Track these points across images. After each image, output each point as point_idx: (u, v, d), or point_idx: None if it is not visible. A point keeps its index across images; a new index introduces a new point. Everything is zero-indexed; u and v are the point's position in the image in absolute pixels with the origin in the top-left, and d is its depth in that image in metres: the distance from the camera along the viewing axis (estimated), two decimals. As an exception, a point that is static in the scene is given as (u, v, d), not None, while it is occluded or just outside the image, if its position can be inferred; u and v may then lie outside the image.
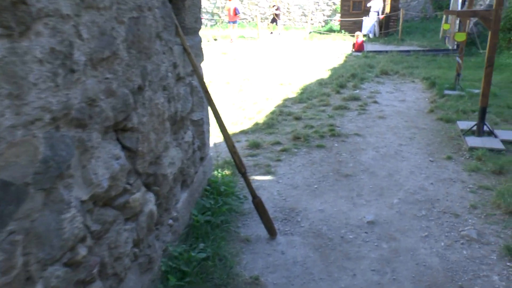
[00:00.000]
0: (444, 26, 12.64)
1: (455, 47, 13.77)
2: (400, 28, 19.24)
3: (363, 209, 4.18)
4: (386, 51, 14.85)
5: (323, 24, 25.16)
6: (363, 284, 3.13)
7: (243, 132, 6.63)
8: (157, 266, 2.89)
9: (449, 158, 5.40)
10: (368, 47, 15.94)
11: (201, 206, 3.77)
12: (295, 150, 5.72)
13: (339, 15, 22.98)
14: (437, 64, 12.47)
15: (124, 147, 2.38)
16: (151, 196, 2.75)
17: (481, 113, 6.01)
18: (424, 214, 4.07)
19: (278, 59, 14.18)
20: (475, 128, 6.06)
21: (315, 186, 4.68)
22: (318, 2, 25.39)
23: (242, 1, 25.95)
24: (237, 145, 5.83)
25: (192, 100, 3.65)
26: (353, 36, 16.80)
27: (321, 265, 3.34)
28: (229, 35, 19.87)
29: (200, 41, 3.98)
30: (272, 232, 3.70)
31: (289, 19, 25.95)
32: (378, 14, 20.39)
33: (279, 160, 5.39)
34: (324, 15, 25.50)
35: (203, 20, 25.42)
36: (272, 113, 7.58)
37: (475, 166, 5.04)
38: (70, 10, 1.76)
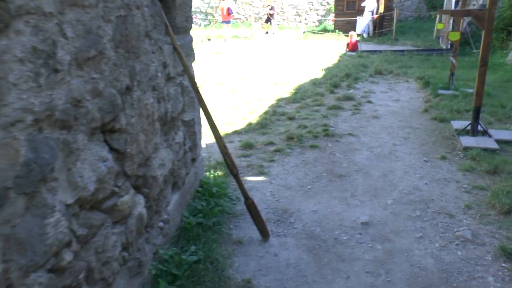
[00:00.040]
0: (438, 26, 12.68)
1: (449, 46, 13.79)
2: (394, 27, 19.26)
3: (357, 210, 4.14)
4: (380, 51, 14.85)
5: (317, 24, 25.17)
6: (357, 286, 3.08)
7: (236, 133, 6.57)
8: (147, 270, 2.84)
9: (443, 158, 5.37)
10: (362, 46, 15.93)
11: (193, 208, 3.72)
12: (289, 151, 5.68)
13: (333, 14, 22.97)
14: (431, 63, 12.47)
15: (112, 149, 2.33)
16: (140, 199, 2.70)
17: (475, 113, 5.99)
18: (418, 215, 4.03)
19: (272, 59, 14.14)
20: (469, 127, 6.05)
21: (309, 187, 4.63)
22: (312, 2, 25.39)
23: (236, 1, 25.89)
24: (230, 145, 5.79)
25: (183, 101, 3.59)
26: (347, 35, 16.79)
27: (315, 267, 3.30)
28: (223, 35, 19.82)
29: (191, 40, 3.92)
30: (264, 234, 3.65)
31: (283, 19, 25.93)
32: (372, 14, 20.40)
33: (272, 161, 5.34)
34: (318, 15, 25.50)
35: (197, 20, 25.40)
36: (266, 113, 7.53)
37: (469, 166, 5.02)
38: (53, 8, 1.70)
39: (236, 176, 3.63)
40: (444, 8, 15.19)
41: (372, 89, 9.41)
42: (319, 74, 11.22)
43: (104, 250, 2.23)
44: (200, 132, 4.21)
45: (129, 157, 2.49)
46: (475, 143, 5.64)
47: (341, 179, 4.84)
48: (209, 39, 19.55)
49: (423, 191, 4.49)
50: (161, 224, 3.10)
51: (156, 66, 2.93)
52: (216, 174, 4.65)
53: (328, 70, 11.71)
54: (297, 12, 25.61)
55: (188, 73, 3.45)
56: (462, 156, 5.40)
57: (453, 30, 10.80)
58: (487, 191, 4.41)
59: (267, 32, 22.57)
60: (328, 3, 24.99)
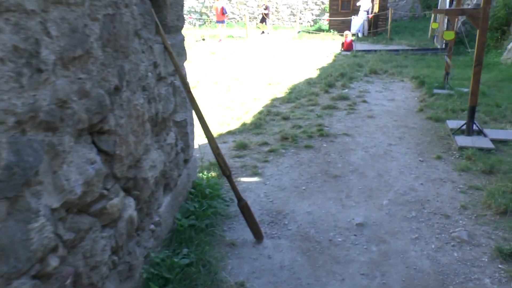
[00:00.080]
0: (433, 25, 12.68)
1: (443, 46, 13.80)
2: (389, 27, 19.29)
3: (352, 211, 4.10)
4: (375, 50, 14.85)
5: (312, 23, 25.18)
6: (352, 289, 3.04)
7: (230, 133, 6.52)
8: (138, 274, 2.78)
9: (439, 157, 5.34)
10: (357, 46, 15.90)
11: (185, 210, 3.66)
12: (283, 151, 5.63)
13: (328, 14, 22.97)
14: (426, 63, 12.47)
15: (100, 151, 2.27)
16: (130, 201, 2.64)
17: (471, 112, 5.96)
18: (414, 216, 3.99)
19: (267, 58, 14.10)
20: (464, 127, 6.02)
21: (303, 188, 4.58)
22: (307, 2, 25.39)
23: (230, 1, 25.84)
24: (224, 146, 5.74)
25: (175, 101, 3.54)
26: (342, 35, 16.78)
27: (309, 270, 3.25)
28: (217, 34, 19.77)
29: (183, 39, 3.86)
30: (258, 236, 3.60)
31: (278, 19, 25.92)
32: (367, 13, 20.40)
33: (266, 161, 5.29)
34: (313, 14, 25.50)
35: (191, 20, 25.30)
36: (260, 113, 7.48)
37: (465, 165, 4.99)
38: (35, 6, 1.64)
39: (229, 178, 3.58)
40: (438, 8, 15.19)
41: (367, 89, 9.38)
42: (314, 73, 11.19)
43: (93, 254, 2.17)
44: (193, 133, 4.15)
45: (119, 159, 2.43)
46: (470, 142, 5.61)
47: (336, 179, 4.79)
48: (203, 39, 19.49)
49: (419, 192, 4.45)
50: (152, 226, 3.04)
51: (146, 65, 2.87)
52: (209, 175, 4.59)
53: (323, 69, 11.68)
54: (291, 11, 25.59)
55: (179, 73, 3.39)
56: (457, 156, 5.37)
57: (447, 29, 10.79)
58: (483, 191, 4.37)
59: (263, 32, 22.52)
60: (322, 3, 25.00)
